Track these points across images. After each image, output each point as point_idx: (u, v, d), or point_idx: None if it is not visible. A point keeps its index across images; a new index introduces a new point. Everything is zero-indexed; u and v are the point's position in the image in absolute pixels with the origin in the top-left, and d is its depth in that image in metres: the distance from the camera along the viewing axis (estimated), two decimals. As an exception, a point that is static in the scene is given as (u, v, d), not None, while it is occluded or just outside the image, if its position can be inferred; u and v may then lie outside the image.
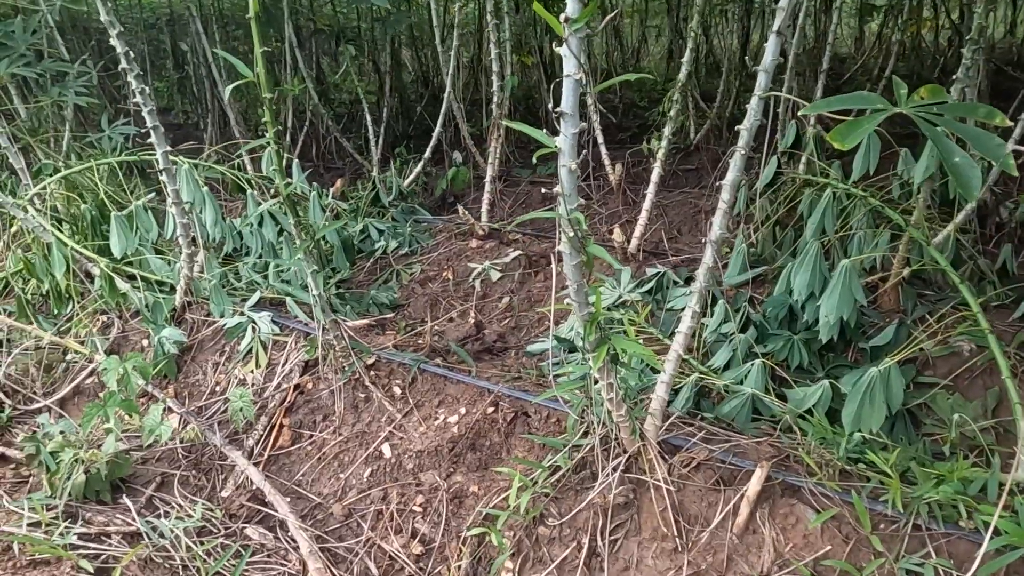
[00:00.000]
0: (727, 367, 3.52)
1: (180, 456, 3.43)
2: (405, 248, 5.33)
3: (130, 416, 3.33)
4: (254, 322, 3.89)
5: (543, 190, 6.43)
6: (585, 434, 2.82)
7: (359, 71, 7.63)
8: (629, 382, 2.84)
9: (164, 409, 3.35)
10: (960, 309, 3.59)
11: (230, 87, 2.55)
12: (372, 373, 3.47)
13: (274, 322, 3.93)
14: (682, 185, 6.35)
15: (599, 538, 2.55)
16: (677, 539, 2.47)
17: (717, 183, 2.69)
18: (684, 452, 2.68)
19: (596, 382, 2.59)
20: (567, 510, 2.67)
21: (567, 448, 2.78)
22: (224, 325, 3.96)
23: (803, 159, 4.42)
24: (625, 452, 2.66)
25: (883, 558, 2.24)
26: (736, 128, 2.43)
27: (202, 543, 2.84)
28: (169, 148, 3.38)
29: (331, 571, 2.70)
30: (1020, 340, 3.41)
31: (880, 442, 2.83)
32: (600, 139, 5.92)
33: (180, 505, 3.14)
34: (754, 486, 2.47)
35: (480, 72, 8.00)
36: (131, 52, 3.11)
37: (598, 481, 2.64)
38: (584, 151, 2.01)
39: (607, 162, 5.96)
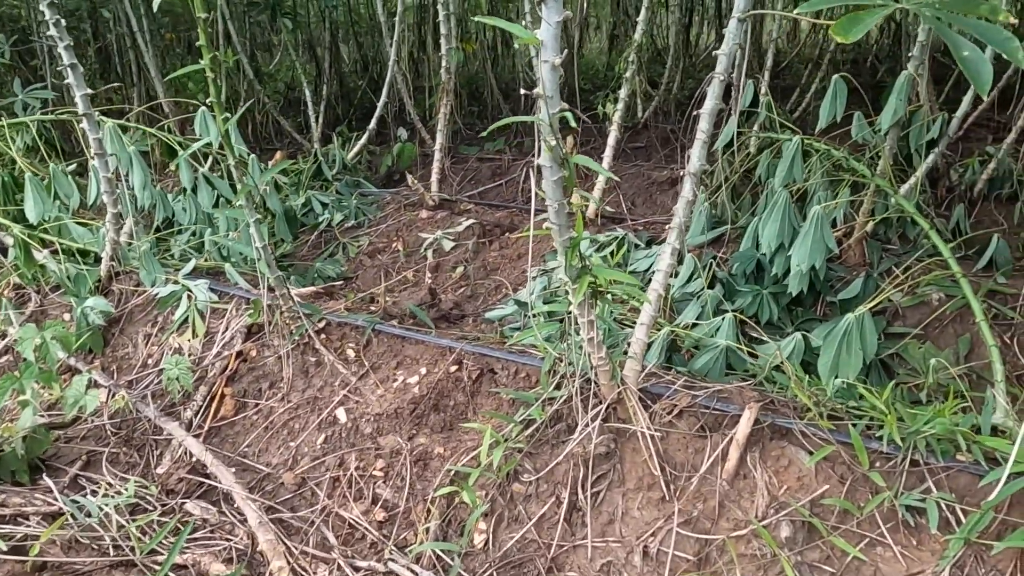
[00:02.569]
0: (695, 325, 3.39)
1: (108, 433, 3.10)
2: (351, 221, 5.06)
3: (50, 389, 2.99)
4: (189, 290, 3.57)
5: (487, 163, 6.28)
6: (558, 386, 2.63)
7: (296, 50, 7.27)
8: (608, 321, 2.67)
9: (89, 380, 3.01)
10: (926, 261, 3.56)
11: None
12: (323, 336, 3.21)
13: (212, 290, 3.63)
14: (632, 160, 6.25)
15: (580, 491, 2.36)
16: (664, 488, 2.30)
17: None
18: (665, 400, 2.52)
19: (574, 325, 2.41)
20: (543, 465, 2.47)
21: (540, 401, 2.59)
22: (156, 295, 3.62)
23: (758, 119, 4.34)
24: (603, 401, 2.48)
25: (883, 494, 2.11)
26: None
27: (135, 520, 2.54)
28: (89, 91, 3.05)
29: (284, 543, 2.44)
30: (987, 288, 3.39)
31: (858, 391, 2.73)
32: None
33: (109, 484, 2.81)
34: (743, 429, 2.33)
35: (421, 61, 7.78)
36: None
37: (577, 431, 2.45)
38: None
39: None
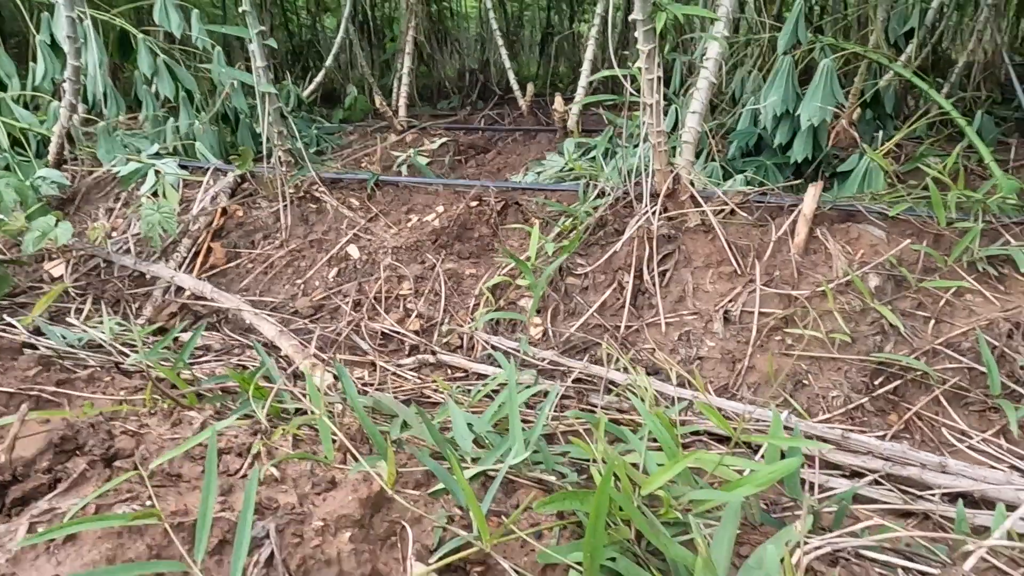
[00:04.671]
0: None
1: (73, 295, 2.71)
2: (313, 148, 4.77)
3: (11, 221, 2.58)
4: (156, 167, 3.22)
5: (442, 119, 6.14)
6: (600, 196, 2.47)
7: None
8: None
9: (58, 215, 2.62)
10: (916, 138, 3.64)
11: None
12: (321, 189, 2.94)
13: (182, 166, 3.29)
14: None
15: (645, 272, 2.18)
16: (735, 263, 2.16)
17: None
18: (716, 199, 2.40)
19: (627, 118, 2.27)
20: (595, 260, 2.28)
21: (585, 207, 2.42)
22: (116, 173, 3.26)
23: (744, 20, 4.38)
24: (656, 197, 2.33)
25: (963, 243, 2.04)
26: None
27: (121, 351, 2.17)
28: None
29: (315, 355, 2.13)
30: (976, 160, 3.47)
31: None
32: (507, 64, 5.66)
33: (84, 330, 2.43)
34: (809, 203, 2.22)
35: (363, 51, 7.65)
36: None
37: (630, 224, 2.29)
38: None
39: (516, 87, 5.67)
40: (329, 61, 5.56)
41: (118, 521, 0.94)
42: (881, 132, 3.77)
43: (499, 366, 2.02)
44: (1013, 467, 1.61)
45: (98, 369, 1.94)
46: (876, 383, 1.85)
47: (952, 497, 1.50)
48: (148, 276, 2.63)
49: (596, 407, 1.82)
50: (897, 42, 3.95)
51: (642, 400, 1.44)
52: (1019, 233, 2.12)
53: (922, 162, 3.50)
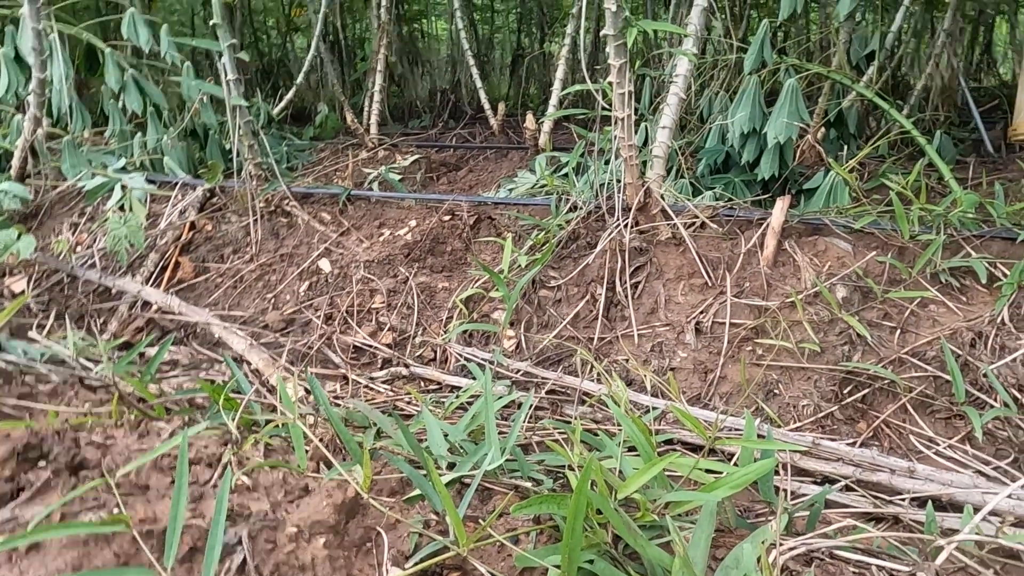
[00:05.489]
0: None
1: (35, 310, 2.65)
2: (284, 164, 4.75)
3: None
4: (123, 182, 3.18)
5: (413, 136, 6.16)
6: (572, 209, 2.49)
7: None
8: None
9: (21, 229, 2.57)
10: (879, 157, 3.73)
11: None
12: (292, 203, 2.92)
13: (150, 181, 3.25)
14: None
15: (617, 285, 2.19)
16: (707, 275, 2.18)
17: None
18: (686, 214, 2.43)
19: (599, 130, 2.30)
20: (568, 273, 2.29)
21: (557, 220, 2.43)
22: (81, 188, 3.20)
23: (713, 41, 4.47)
24: (627, 211, 2.35)
25: (926, 255, 2.09)
26: None
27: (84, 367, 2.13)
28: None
29: (285, 368, 2.11)
30: (936, 177, 3.57)
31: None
32: (479, 84, 5.70)
33: (47, 346, 2.37)
34: (778, 216, 2.26)
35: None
36: None
37: (602, 238, 2.30)
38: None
39: (487, 106, 5.70)
40: (300, 79, 5.54)
41: (84, 528, 0.92)
42: (845, 150, 3.86)
43: (473, 378, 2.01)
44: (979, 472, 1.64)
45: (61, 384, 1.89)
46: (845, 392, 1.87)
47: (921, 501, 1.52)
48: (114, 291, 2.59)
49: (571, 418, 1.82)
50: (859, 64, 4.06)
51: (617, 404, 1.44)
52: (979, 245, 2.18)
53: (885, 178, 3.59)
